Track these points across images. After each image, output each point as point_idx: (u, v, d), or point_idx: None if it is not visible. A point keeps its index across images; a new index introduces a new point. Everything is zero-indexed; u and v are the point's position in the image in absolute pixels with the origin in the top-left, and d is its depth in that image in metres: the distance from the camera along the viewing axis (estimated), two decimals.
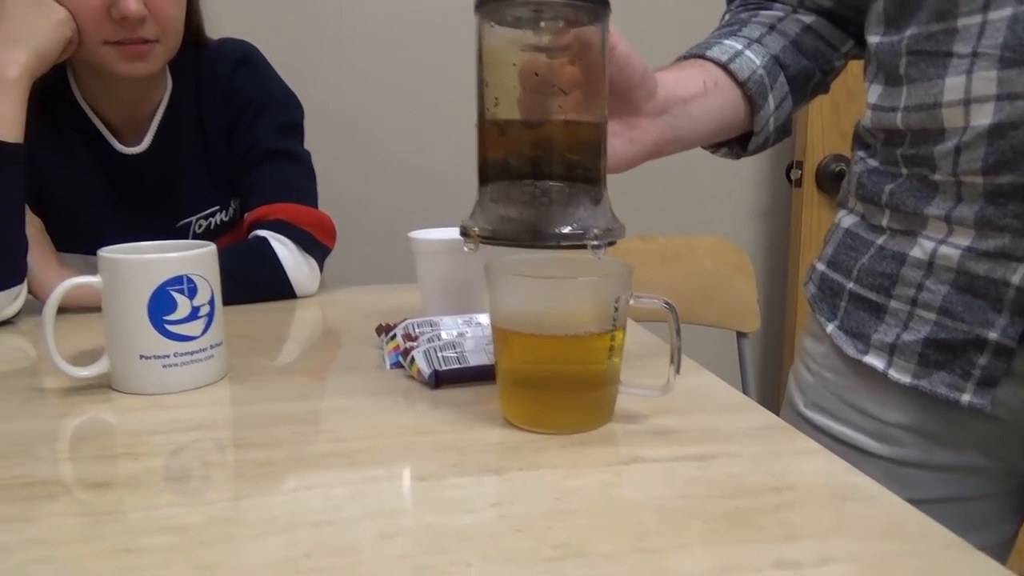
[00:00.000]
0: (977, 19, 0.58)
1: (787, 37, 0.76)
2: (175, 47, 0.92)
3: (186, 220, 0.99)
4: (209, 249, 0.64)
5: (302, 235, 0.93)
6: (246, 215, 0.96)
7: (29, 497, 0.45)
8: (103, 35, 0.86)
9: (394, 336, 0.71)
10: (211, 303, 0.64)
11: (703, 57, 0.73)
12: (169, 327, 0.62)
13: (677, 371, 0.54)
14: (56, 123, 0.93)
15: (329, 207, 1.01)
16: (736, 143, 0.78)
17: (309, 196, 0.99)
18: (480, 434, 0.55)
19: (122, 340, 0.61)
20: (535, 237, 0.51)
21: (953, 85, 0.59)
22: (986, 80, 0.57)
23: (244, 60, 1.00)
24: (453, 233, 0.83)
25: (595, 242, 0.51)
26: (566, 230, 0.51)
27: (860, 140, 0.75)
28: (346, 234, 1.08)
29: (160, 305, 0.61)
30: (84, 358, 0.65)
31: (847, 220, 0.75)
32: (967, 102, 0.59)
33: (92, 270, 0.97)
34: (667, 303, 0.53)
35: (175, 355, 0.62)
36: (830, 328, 0.73)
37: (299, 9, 1.62)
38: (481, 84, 0.54)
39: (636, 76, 0.62)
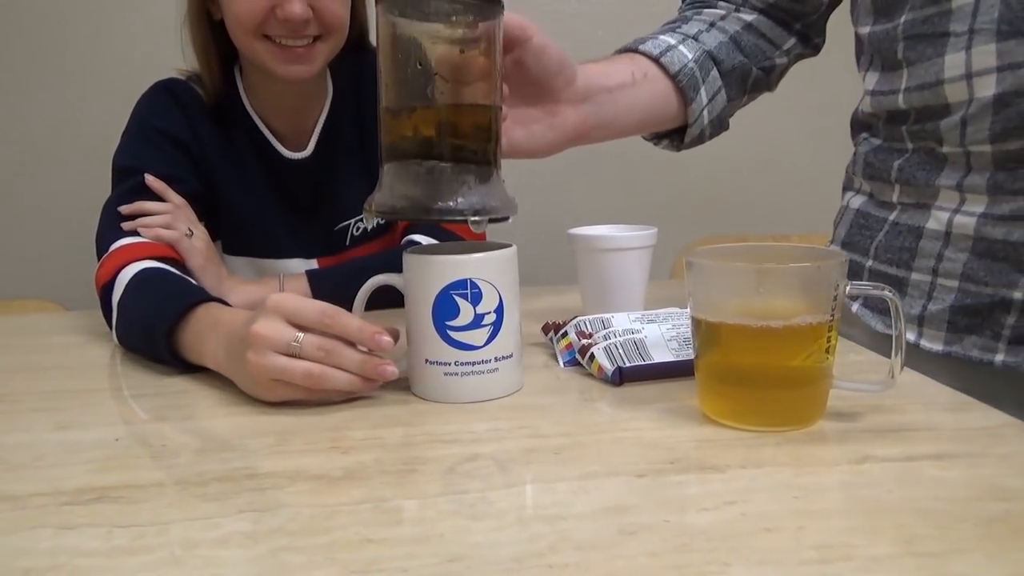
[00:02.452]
0: None
1: (726, 34, 0.80)
2: (339, 45, 0.92)
3: (344, 223, 1.00)
4: (496, 253, 0.60)
5: (453, 239, 0.93)
6: None
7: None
8: (262, 29, 0.86)
9: (566, 334, 0.70)
10: (499, 311, 0.59)
11: (636, 51, 0.77)
12: (451, 333, 0.58)
13: (902, 366, 0.50)
14: (228, 130, 0.97)
15: None
16: (675, 135, 0.82)
17: None
18: (685, 431, 0.52)
19: (413, 342, 0.60)
20: (421, 212, 0.56)
21: (953, 62, 0.62)
22: (986, 54, 0.60)
23: None
24: (617, 230, 0.81)
25: (475, 217, 0.55)
26: (450, 204, 0.55)
27: (860, 124, 0.78)
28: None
29: (443, 309, 0.58)
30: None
31: (855, 201, 0.78)
32: (969, 76, 0.61)
33: (258, 274, 1.00)
34: (890, 290, 0.50)
35: (456, 363, 0.59)
36: (855, 308, 0.76)
37: None
38: (377, 72, 0.58)
39: (553, 64, 0.65)
